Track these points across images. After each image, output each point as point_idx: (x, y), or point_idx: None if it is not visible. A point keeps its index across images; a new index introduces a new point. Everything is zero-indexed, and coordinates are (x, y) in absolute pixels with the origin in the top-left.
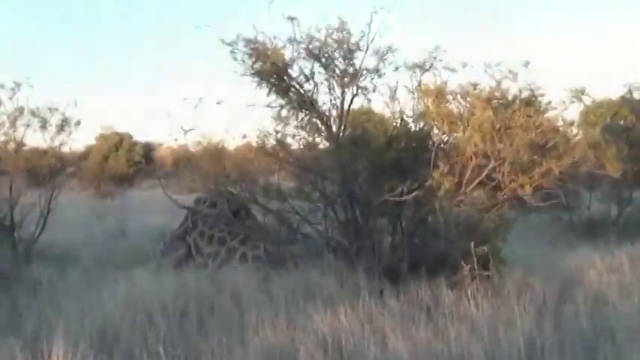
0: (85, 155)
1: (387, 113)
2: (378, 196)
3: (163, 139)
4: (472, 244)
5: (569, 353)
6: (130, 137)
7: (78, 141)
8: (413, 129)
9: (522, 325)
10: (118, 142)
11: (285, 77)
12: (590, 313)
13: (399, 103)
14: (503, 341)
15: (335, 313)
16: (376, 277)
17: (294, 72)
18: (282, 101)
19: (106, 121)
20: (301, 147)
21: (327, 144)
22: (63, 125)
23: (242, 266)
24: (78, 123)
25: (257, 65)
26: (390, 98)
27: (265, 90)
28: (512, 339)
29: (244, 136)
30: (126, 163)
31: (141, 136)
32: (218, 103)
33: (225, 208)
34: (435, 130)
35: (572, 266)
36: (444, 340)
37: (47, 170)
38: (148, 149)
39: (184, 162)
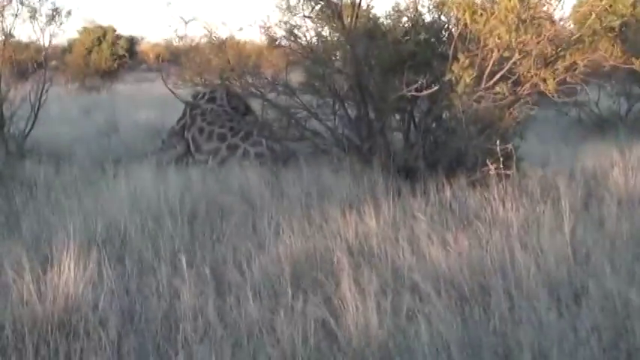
0: (67, 49)
1: (402, 3)
2: (393, 91)
3: (148, 33)
4: (497, 141)
5: (617, 259)
6: (114, 31)
7: (61, 34)
8: (429, 20)
9: (562, 229)
10: (102, 36)
11: None
12: (629, 215)
13: None
14: (546, 246)
15: (358, 215)
16: (392, 177)
17: None
18: None
19: (89, 14)
20: (309, 39)
21: (338, 35)
22: (53, 15)
23: (246, 164)
24: (69, 13)
25: None
26: None
27: None
28: (556, 244)
29: (241, 29)
30: (110, 57)
31: (125, 30)
32: None
33: (225, 103)
34: (454, 21)
35: (592, 164)
36: (483, 246)
37: (31, 64)
38: (132, 43)
39: (183, 55)
